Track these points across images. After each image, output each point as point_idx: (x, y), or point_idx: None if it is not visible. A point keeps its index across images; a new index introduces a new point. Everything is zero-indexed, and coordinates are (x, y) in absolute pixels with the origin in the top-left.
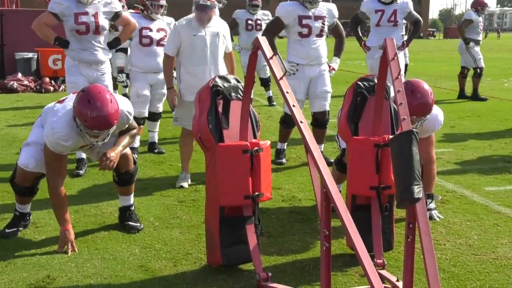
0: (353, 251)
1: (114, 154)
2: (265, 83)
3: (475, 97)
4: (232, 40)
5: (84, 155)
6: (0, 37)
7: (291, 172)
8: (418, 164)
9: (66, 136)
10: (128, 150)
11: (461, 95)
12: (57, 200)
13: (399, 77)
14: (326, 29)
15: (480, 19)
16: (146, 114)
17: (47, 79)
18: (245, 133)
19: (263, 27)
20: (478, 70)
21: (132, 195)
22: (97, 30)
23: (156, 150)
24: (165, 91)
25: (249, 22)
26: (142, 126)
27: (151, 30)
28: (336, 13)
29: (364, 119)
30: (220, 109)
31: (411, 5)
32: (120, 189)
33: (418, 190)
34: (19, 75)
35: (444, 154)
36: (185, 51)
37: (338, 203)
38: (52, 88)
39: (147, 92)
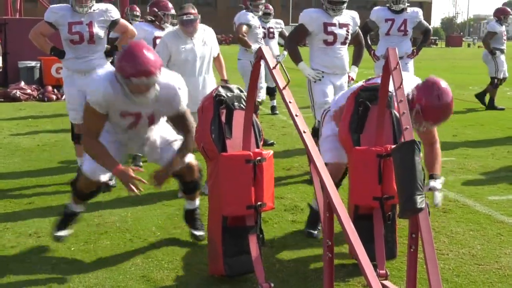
0: (356, 260)
1: (166, 173)
2: (271, 92)
3: (491, 106)
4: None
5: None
6: (4, 45)
7: (294, 181)
8: (421, 174)
9: (100, 85)
10: (193, 160)
11: (491, 105)
12: (96, 151)
13: (401, 86)
14: (349, 37)
15: (503, 28)
16: None
17: (50, 88)
18: (248, 143)
19: (276, 35)
20: (496, 80)
21: (197, 200)
22: (92, 39)
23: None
24: None
25: (262, 30)
26: None
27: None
28: (358, 21)
29: (366, 128)
30: (223, 119)
31: (421, 14)
32: (185, 196)
33: (420, 200)
34: (22, 83)
35: (447, 163)
36: (175, 63)
37: (341, 213)
38: (55, 97)
39: None
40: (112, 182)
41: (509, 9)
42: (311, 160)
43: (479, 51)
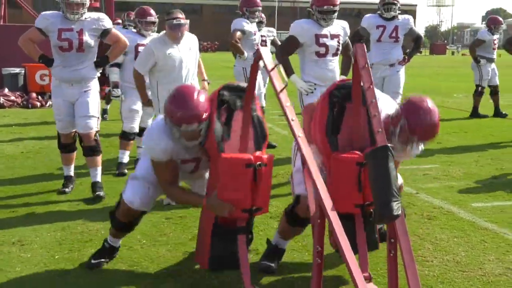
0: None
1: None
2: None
3: (475, 114)
4: (235, 57)
5: (72, 173)
6: None
7: (279, 189)
8: (396, 180)
9: (158, 140)
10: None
11: (474, 113)
12: (180, 198)
13: (371, 87)
14: (340, 47)
15: (495, 37)
16: (137, 130)
17: (34, 95)
18: (245, 144)
19: (268, 43)
20: (479, 88)
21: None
22: (81, 47)
23: (117, 172)
24: (136, 107)
25: (260, 36)
26: (132, 141)
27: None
28: (349, 31)
29: (343, 129)
30: (223, 119)
31: (412, 21)
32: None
33: (397, 207)
34: (6, 90)
35: (431, 170)
36: (161, 69)
37: (332, 217)
38: (39, 104)
39: (138, 107)
40: (67, 190)
41: (500, 19)
42: (304, 164)
43: (463, 59)
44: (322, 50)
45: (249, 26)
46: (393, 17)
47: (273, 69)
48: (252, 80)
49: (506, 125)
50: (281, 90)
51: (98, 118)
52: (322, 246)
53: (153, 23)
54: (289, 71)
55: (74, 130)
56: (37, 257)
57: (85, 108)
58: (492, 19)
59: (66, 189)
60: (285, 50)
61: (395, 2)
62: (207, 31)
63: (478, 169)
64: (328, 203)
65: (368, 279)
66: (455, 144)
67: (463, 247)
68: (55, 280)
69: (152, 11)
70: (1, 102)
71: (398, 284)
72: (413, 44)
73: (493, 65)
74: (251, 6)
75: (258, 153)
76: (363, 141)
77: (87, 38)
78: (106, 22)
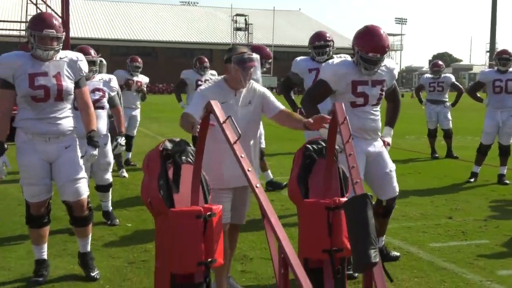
0: None
1: None
2: None
3: (431, 154)
4: (180, 100)
5: (45, 255)
6: None
7: (242, 231)
8: (374, 228)
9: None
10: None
11: (431, 154)
12: None
13: (349, 141)
14: (383, 95)
15: (431, 79)
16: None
17: None
18: (196, 197)
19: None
20: (428, 131)
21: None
22: (60, 95)
23: (110, 222)
24: (109, 159)
25: (199, 83)
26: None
27: None
28: (397, 74)
29: (313, 181)
30: (170, 173)
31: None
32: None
33: (374, 255)
34: None
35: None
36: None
37: (297, 269)
38: None
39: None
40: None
41: (440, 62)
42: (264, 215)
43: (412, 102)
44: (360, 101)
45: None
46: (328, 58)
47: (225, 121)
48: (202, 134)
49: (459, 166)
50: (235, 142)
51: (86, 178)
52: None
53: (94, 62)
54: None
55: (49, 197)
56: None
57: (72, 170)
58: (433, 63)
59: (40, 279)
60: (313, 97)
61: (328, 44)
62: (162, 74)
63: (434, 209)
64: (291, 253)
65: None
66: (410, 185)
67: (424, 287)
68: None
69: (91, 50)
70: None
71: None
72: None
73: (439, 108)
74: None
75: (206, 204)
76: (334, 195)
77: (66, 83)
78: (84, 66)
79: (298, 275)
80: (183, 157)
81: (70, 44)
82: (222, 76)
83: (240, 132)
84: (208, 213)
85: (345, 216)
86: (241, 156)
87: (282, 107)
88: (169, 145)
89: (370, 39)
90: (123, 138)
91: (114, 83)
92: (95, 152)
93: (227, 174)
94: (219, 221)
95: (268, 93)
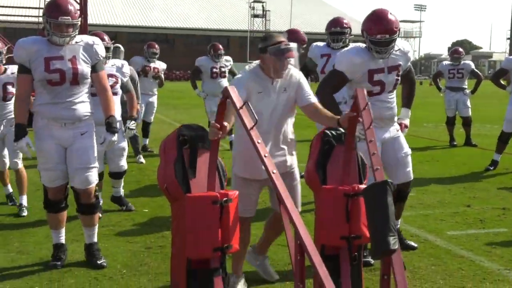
0: None
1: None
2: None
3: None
4: (196, 87)
5: (63, 239)
6: None
7: (256, 218)
8: (393, 215)
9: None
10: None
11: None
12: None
13: (370, 127)
14: (399, 80)
15: (450, 66)
16: (101, 170)
17: None
18: (213, 183)
19: (227, 73)
20: (446, 119)
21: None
22: (75, 79)
23: (125, 208)
24: (123, 145)
25: (214, 70)
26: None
27: None
28: (411, 56)
29: (332, 167)
30: (186, 159)
31: None
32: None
33: (393, 242)
34: None
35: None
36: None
37: (313, 255)
38: None
39: (99, 148)
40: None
41: (460, 49)
42: (280, 201)
43: (431, 89)
44: (376, 89)
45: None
46: (343, 46)
47: (241, 107)
48: (219, 118)
49: (477, 154)
50: (252, 127)
51: (97, 167)
52: (304, 283)
53: (108, 49)
54: (336, 113)
55: (66, 182)
56: None
57: (84, 157)
58: (452, 50)
59: (58, 263)
60: (328, 87)
61: (344, 31)
62: (180, 61)
63: (452, 197)
64: (307, 240)
65: None
66: (428, 172)
67: (441, 275)
68: None
69: (105, 36)
70: None
71: None
72: None
73: (459, 95)
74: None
75: (222, 190)
76: (351, 181)
77: (82, 67)
78: (100, 50)
79: (314, 262)
80: (200, 143)
81: (88, 31)
82: (257, 63)
83: (271, 120)
84: (224, 199)
85: (364, 202)
86: (257, 142)
87: (313, 100)
88: (185, 131)
89: (377, 21)
90: (133, 122)
91: (126, 69)
92: (114, 138)
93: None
94: (235, 207)
95: (304, 81)
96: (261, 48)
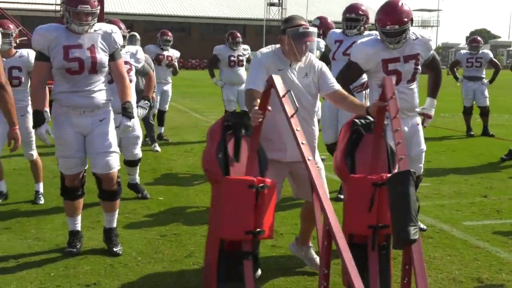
0: None
1: None
2: None
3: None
4: (213, 76)
5: (79, 226)
6: None
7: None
8: (415, 205)
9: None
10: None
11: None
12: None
13: (397, 116)
14: (419, 70)
15: (468, 55)
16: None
17: None
18: (252, 169)
19: (244, 62)
20: (463, 108)
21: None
22: (94, 68)
23: (141, 195)
24: (137, 133)
25: (232, 58)
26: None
27: None
28: (433, 45)
29: (361, 156)
30: (229, 144)
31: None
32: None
33: (414, 231)
34: None
35: (422, 188)
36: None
37: (340, 241)
38: None
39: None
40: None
41: (479, 38)
42: (313, 187)
43: (448, 79)
44: (393, 78)
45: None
46: (359, 33)
47: (284, 95)
48: (263, 105)
49: (494, 144)
50: (292, 115)
51: (118, 153)
52: (329, 269)
53: (123, 37)
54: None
55: (83, 170)
56: (32, 274)
57: (104, 142)
58: (470, 39)
59: (73, 250)
60: (345, 79)
61: (359, 18)
62: (196, 49)
63: (469, 188)
64: (336, 226)
65: None
66: (445, 163)
67: (457, 265)
68: None
69: (122, 24)
70: None
71: None
72: None
73: (477, 85)
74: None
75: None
76: (380, 170)
77: (100, 56)
78: (119, 38)
79: (341, 248)
80: (244, 130)
81: (105, 20)
82: (279, 45)
83: (297, 105)
84: (261, 184)
85: (388, 192)
86: (296, 130)
87: (337, 87)
88: (231, 118)
89: (387, 12)
90: (146, 102)
91: (141, 55)
92: (130, 123)
93: (288, 146)
94: (271, 194)
95: (326, 69)
96: (282, 29)
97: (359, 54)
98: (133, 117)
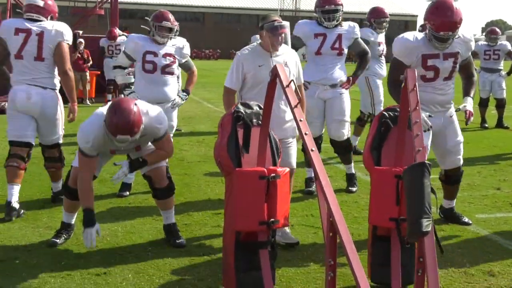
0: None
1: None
2: None
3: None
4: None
5: (73, 220)
6: None
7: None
8: (429, 197)
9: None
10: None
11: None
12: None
13: (417, 108)
14: (457, 68)
15: (486, 46)
16: None
17: None
18: (263, 159)
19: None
20: (480, 100)
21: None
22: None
23: None
24: (173, 123)
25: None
26: None
27: (156, 55)
28: (473, 45)
29: (387, 149)
30: (240, 135)
31: (358, 30)
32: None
33: (427, 224)
34: None
35: (435, 180)
36: (248, 84)
37: (343, 233)
38: None
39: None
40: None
41: (497, 30)
42: (316, 178)
43: None
44: (430, 74)
45: (374, 37)
46: (337, 25)
47: (288, 85)
48: (269, 97)
49: (509, 136)
50: (296, 105)
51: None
52: (335, 259)
53: (172, 30)
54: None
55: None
56: (43, 263)
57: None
58: (488, 30)
59: (57, 241)
60: (393, 79)
61: (338, 8)
62: (209, 39)
63: (482, 180)
64: (338, 217)
65: None
66: None
67: (468, 258)
68: (61, 286)
69: (171, 16)
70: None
71: None
72: (359, 59)
73: (494, 76)
74: (379, 17)
75: (272, 167)
76: (406, 162)
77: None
78: (187, 50)
79: (344, 240)
80: (254, 120)
81: (119, 9)
82: (258, 42)
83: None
84: (272, 174)
85: (403, 184)
86: (300, 120)
87: (301, 82)
88: (241, 108)
89: (442, 16)
90: (185, 94)
91: (187, 49)
92: (181, 102)
93: (274, 125)
94: (284, 183)
95: (299, 62)
96: (260, 26)
97: (399, 48)
98: (184, 100)
